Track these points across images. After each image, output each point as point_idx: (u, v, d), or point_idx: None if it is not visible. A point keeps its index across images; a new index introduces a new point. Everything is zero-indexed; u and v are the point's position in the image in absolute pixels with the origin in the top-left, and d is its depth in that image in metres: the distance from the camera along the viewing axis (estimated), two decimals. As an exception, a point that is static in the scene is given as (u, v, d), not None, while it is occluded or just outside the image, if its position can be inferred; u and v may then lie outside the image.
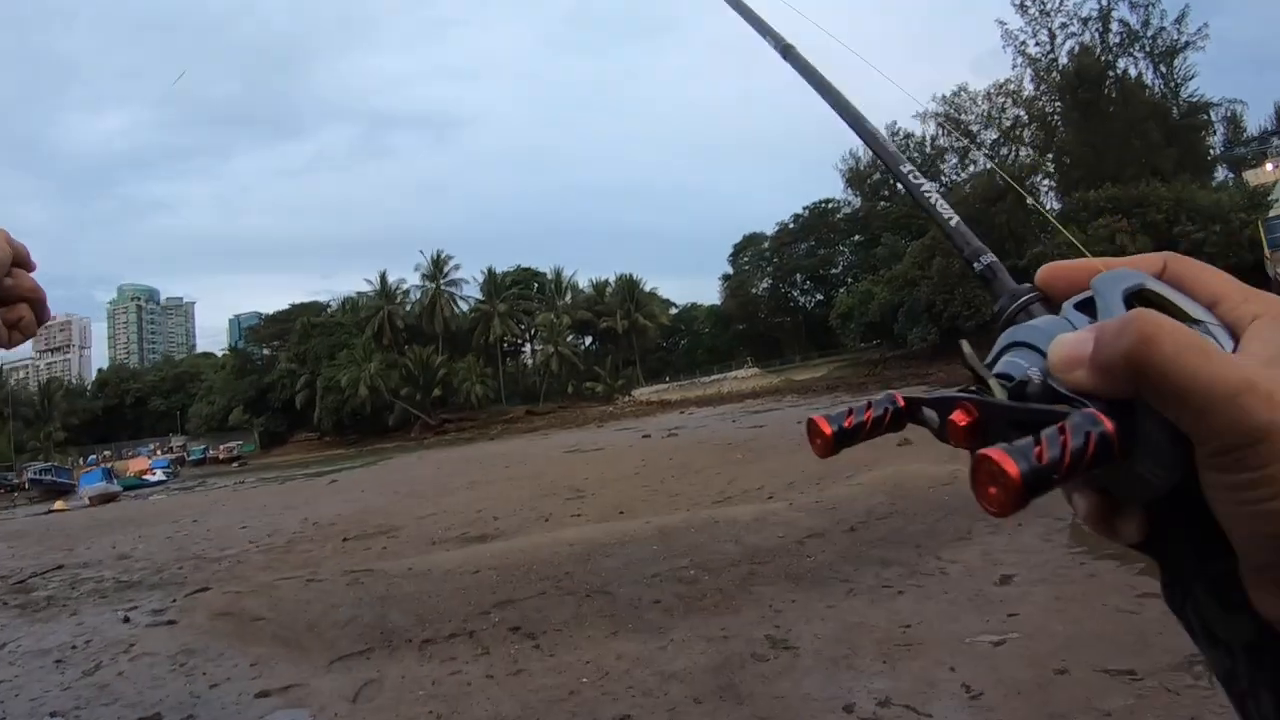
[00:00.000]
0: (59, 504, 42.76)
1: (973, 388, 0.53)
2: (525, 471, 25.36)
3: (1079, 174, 51.49)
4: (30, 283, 0.99)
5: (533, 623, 7.87)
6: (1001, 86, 60.15)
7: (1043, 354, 0.50)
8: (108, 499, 42.56)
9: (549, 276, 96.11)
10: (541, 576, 9.48)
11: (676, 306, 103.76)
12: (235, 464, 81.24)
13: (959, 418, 0.51)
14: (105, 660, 8.66)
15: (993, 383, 0.51)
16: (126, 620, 10.62)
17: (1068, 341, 0.46)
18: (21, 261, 0.98)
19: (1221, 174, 56.65)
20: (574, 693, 6.09)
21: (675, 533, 10.85)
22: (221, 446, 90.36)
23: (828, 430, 0.56)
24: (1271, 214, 40.25)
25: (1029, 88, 59.44)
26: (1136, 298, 0.50)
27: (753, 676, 6.00)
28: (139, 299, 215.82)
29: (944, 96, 62.26)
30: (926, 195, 0.71)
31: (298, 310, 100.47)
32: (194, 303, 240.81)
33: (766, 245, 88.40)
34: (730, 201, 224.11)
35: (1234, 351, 0.45)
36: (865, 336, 67.49)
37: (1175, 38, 54.33)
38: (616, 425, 51.99)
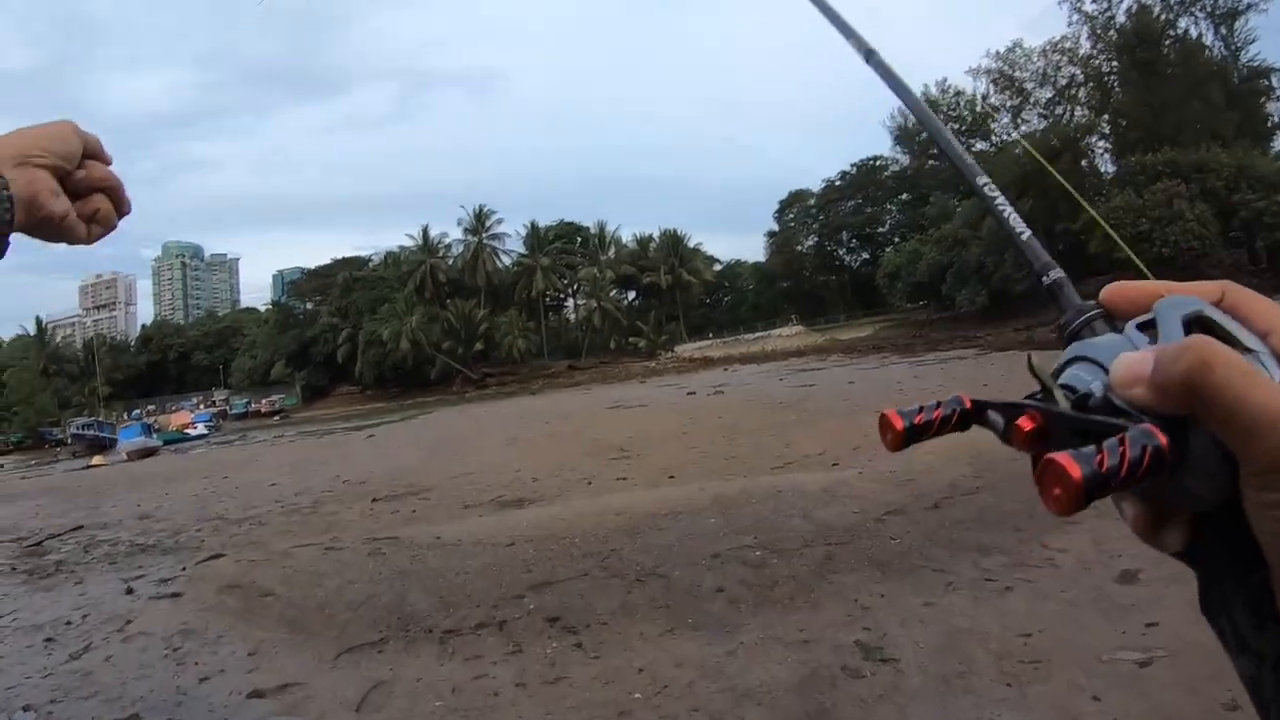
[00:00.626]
0: (97, 459, 42.64)
1: (1038, 396, 0.56)
2: (566, 428, 24.30)
3: (1136, 135, 49.19)
4: (102, 172, 0.98)
5: (574, 613, 6.67)
6: (1057, 44, 57.52)
7: (1105, 370, 0.53)
8: (146, 454, 42.31)
9: (592, 231, 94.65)
10: (584, 553, 8.31)
11: (720, 263, 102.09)
12: (277, 417, 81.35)
13: (1024, 423, 0.54)
14: (97, 640, 7.73)
15: (1058, 393, 0.55)
16: (130, 592, 9.75)
17: (1130, 360, 0.50)
18: (95, 153, 0.97)
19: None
20: (624, 713, 4.89)
21: (734, 503, 9.58)
22: (264, 400, 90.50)
23: (899, 425, 0.59)
24: None
25: (1085, 45, 56.73)
26: (1195, 323, 0.52)
27: (848, 699, 4.73)
28: (183, 256, 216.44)
29: (998, 53, 59.56)
30: (1001, 209, 0.72)
31: (340, 265, 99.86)
32: (238, 259, 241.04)
33: (813, 202, 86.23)
34: (777, 159, 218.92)
35: None
36: (912, 296, 65.59)
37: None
38: (659, 381, 50.84)
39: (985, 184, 0.73)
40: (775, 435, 17.08)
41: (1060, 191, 53.49)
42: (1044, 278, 0.65)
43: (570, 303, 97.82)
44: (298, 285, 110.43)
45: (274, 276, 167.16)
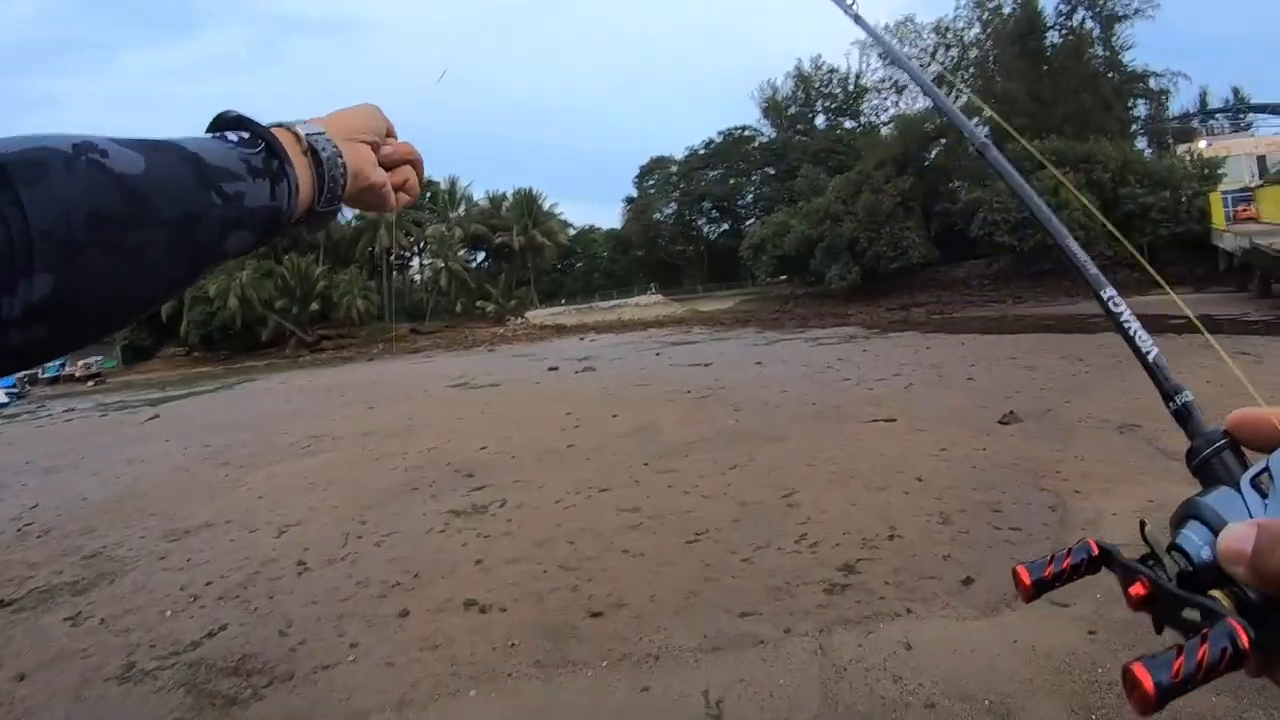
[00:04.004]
0: None
1: (1151, 560, 0.57)
2: (389, 422, 16.51)
3: (1020, 123, 44.74)
4: (408, 147, 1.03)
5: None
6: (946, 25, 52.69)
7: (1215, 532, 0.54)
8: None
9: (443, 186, 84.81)
10: None
11: (575, 228, 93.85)
12: (92, 382, 68.32)
13: (1136, 590, 0.55)
14: None
15: (1168, 561, 0.56)
16: None
17: (1233, 536, 0.50)
18: (391, 132, 1.03)
19: (1141, 145, 51.78)
20: None
21: None
22: (79, 363, 76.54)
23: (1027, 580, 0.61)
24: (1221, 187, 36.99)
25: (975, 29, 52.11)
26: None
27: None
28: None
29: (888, 26, 53.94)
30: (1127, 325, 0.69)
31: None
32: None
33: (675, 170, 79.24)
34: (639, 128, 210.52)
35: None
36: (776, 271, 59.76)
37: (1127, 2, 48.07)
38: (510, 350, 42.96)
39: (1110, 296, 0.71)
40: (727, 460, 9.92)
41: (939, 171, 49.11)
42: (1171, 401, 0.63)
43: (416, 262, 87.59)
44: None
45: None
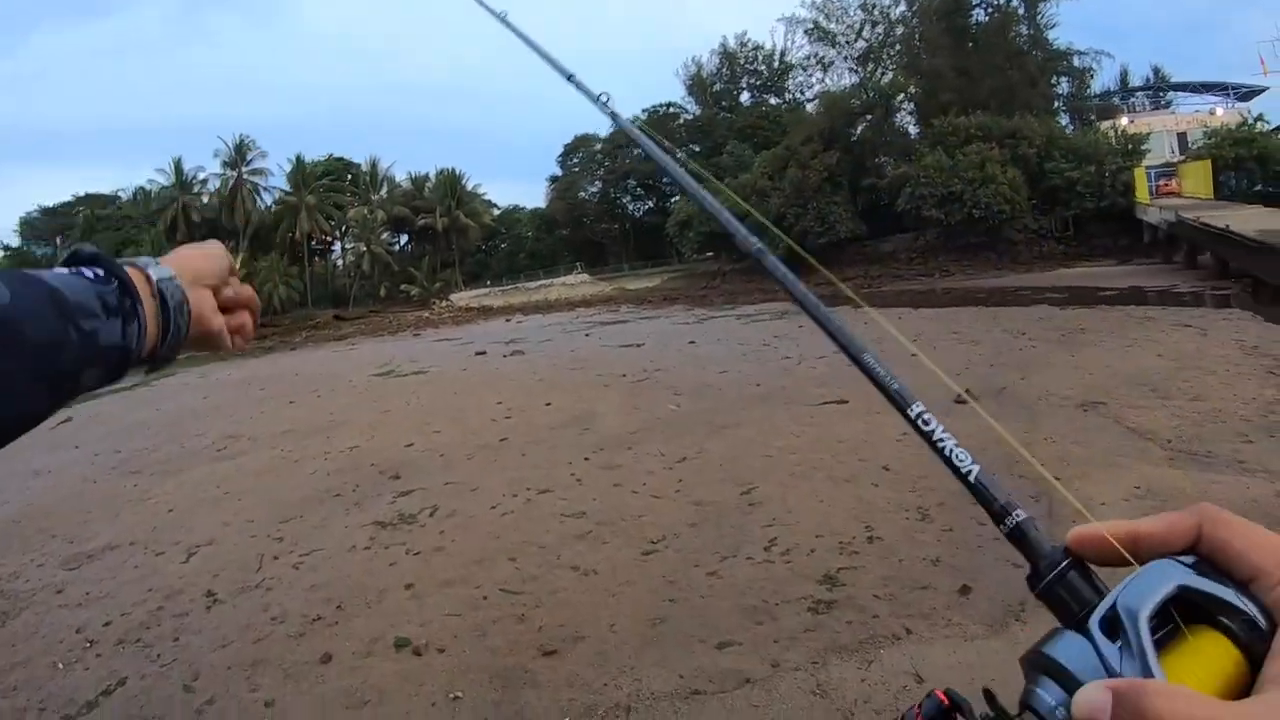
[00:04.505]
0: None
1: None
2: (309, 418, 15.34)
3: (947, 98, 44.88)
4: (249, 292, 1.05)
5: None
6: (874, 3, 52.25)
7: (1069, 691, 0.51)
8: None
9: (364, 168, 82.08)
10: None
11: (499, 208, 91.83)
12: None
13: None
14: None
15: None
16: None
17: (1087, 702, 0.48)
18: (234, 269, 1.03)
19: (1065, 121, 52.46)
20: None
21: None
22: None
23: None
24: (1145, 163, 37.88)
25: (901, 7, 51.78)
26: (1173, 602, 0.51)
27: None
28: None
29: (814, 2, 53.31)
30: (941, 444, 0.64)
31: (82, 202, 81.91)
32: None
33: (599, 148, 77.75)
34: (562, 106, 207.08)
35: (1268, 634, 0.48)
36: (703, 247, 59.21)
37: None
38: (436, 335, 41.45)
39: (919, 414, 0.65)
40: (692, 459, 9.14)
41: (866, 146, 48.94)
42: (1003, 522, 0.59)
43: (338, 247, 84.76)
44: (34, 226, 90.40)
45: (21, 220, 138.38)
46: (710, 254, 59.80)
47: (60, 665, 5.69)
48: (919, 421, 0.64)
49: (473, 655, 4.99)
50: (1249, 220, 19.07)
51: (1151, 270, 24.80)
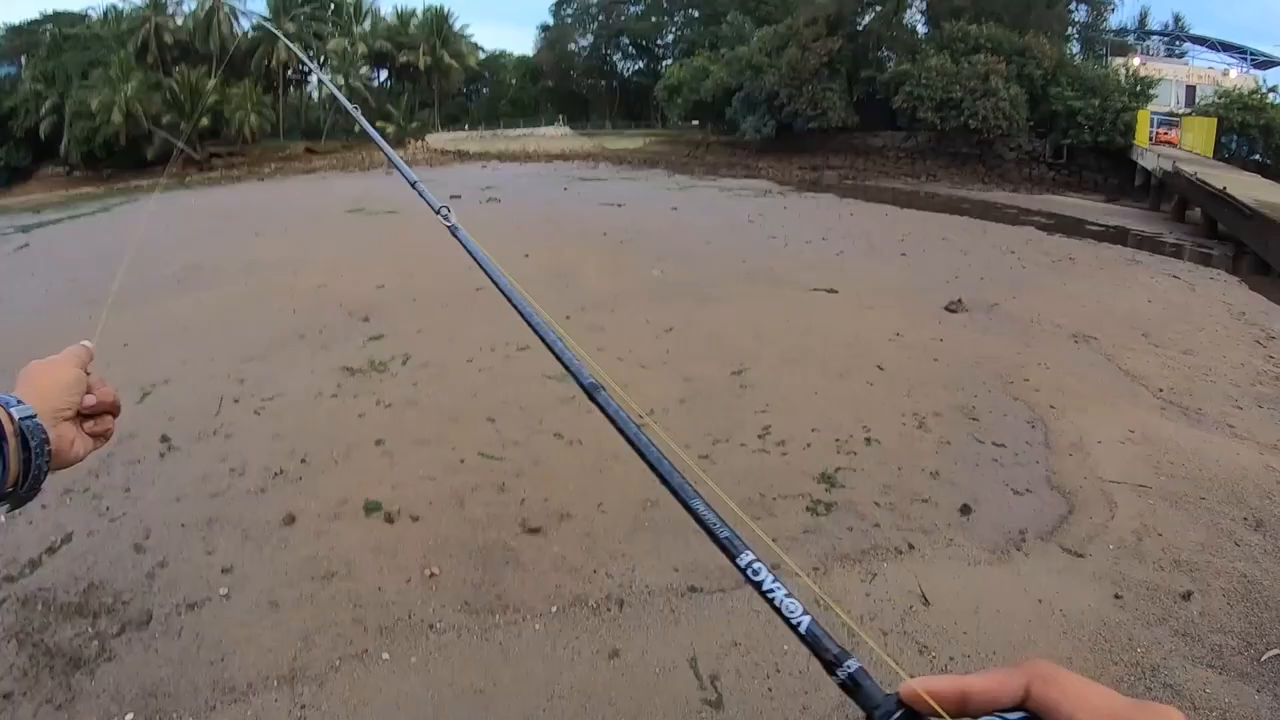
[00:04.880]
0: None
1: None
2: (276, 252, 14.58)
3: (961, 3, 43.15)
4: (110, 394, 1.02)
5: None
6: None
7: None
8: None
9: (348, -1, 78.20)
10: None
11: (485, 52, 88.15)
12: None
13: None
14: None
15: None
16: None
17: None
18: (91, 371, 1.03)
19: (1075, 50, 50.96)
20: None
21: None
22: None
23: None
24: (1150, 107, 36.45)
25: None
26: None
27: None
28: None
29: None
30: (771, 595, 0.63)
31: (49, 20, 77.17)
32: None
33: (595, 1, 74.71)
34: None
35: None
36: (690, 115, 57.71)
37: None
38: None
39: (749, 564, 0.64)
40: (679, 329, 8.69)
41: (871, 37, 47.23)
42: (836, 672, 0.57)
43: (314, 78, 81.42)
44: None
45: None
46: (696, 122, 58.55)
47: (2, 518, 5.27)
48: (748, 571, 0.63)
49: (450, 526, 4.64)
50: (1248, 187, 18.73)
51: (1139, 215, 24.15)
